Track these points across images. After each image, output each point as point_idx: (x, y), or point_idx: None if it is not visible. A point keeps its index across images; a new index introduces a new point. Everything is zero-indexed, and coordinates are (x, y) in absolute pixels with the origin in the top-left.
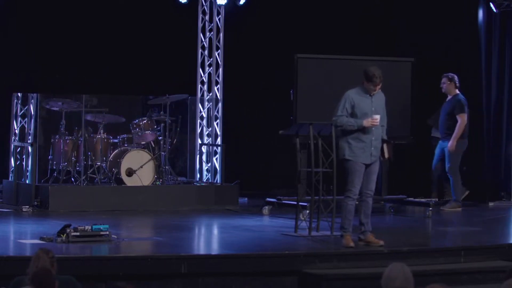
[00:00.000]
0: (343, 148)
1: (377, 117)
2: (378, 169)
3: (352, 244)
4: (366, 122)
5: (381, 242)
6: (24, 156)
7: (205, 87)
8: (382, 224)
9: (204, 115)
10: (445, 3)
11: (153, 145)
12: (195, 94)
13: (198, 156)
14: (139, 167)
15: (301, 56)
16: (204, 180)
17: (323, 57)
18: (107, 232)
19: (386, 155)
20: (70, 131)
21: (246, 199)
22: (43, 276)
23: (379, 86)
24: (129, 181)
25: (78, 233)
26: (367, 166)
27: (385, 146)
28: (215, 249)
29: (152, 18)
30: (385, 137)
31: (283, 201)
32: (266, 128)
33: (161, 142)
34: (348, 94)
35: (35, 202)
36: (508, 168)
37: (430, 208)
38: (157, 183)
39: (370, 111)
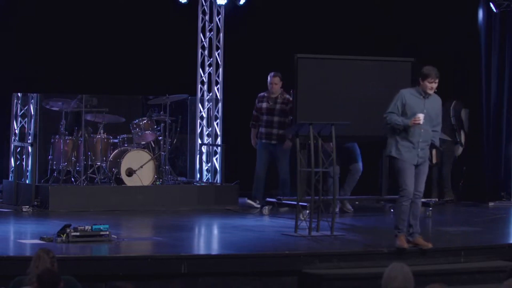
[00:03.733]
0: (391, 144)
1: (420, 115)
2: (427, 170)
3: (406, 245)
4: (411, 122)
5: (430, 245)
6: (24, 156)
7: (205, 87)
8: (382, 224)
9: (204, 115)
10: (445, 3)
11: (153, 145)
12: (195, 94)
13: (198, 156)
14: (139, 167)
15: (301, 56)
16: (204, 180)
17: (323, 57)
18: (107, 232)
19: (434, 160)
20: (70, 131)
21: (245, 199)
22: (49, 276)
23: (435, 85)
24: (129, 181)
25: (78, 233)
26: (415, 166)
27: (434, 151)
28: (215, 249)
29: (152, 18)
30: (436, 143)
31: (283, 201)
32: None
33: (161, 142)
34: (402, 92)
35: (35, 202)
36: (508, 168)
37: (430, 208)
38: (157, 183)
39: (421, 112)
